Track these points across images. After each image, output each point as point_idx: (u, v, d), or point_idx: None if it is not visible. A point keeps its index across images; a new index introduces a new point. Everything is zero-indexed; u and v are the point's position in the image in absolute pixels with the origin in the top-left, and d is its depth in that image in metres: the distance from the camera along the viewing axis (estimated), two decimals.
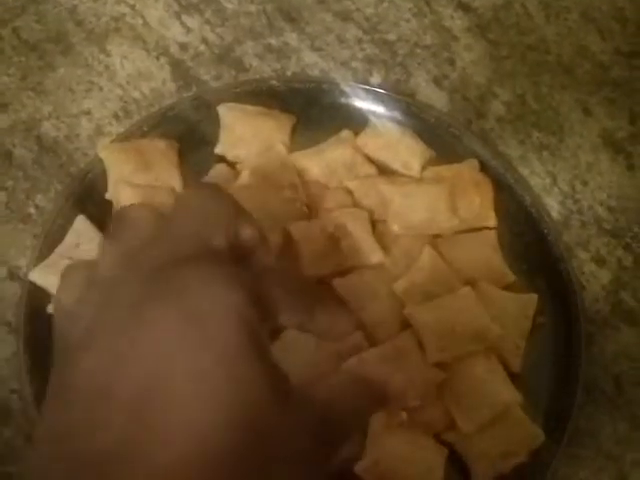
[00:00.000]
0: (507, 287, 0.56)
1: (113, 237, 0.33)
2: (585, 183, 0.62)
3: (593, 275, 0.59)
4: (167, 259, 0.30)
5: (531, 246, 0.58)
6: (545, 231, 0.58)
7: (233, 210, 0.33)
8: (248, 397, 0.27)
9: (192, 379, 0.27)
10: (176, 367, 0.27)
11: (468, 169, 0.59)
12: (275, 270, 0.35)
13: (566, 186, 0.61)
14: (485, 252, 0.57)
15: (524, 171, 0.62)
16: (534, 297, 0.55)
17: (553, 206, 0.61)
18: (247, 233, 0.33)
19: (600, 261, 0.59)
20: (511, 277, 0.56)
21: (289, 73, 0.65)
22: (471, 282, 0.55)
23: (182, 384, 0.27)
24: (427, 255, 0.55)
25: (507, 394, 0.51)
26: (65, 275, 0.34)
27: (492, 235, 0.57)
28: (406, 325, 0.52)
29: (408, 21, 0.68)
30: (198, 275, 0.29)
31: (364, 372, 0.34)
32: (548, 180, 0.62)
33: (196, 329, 0.28)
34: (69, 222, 0.55)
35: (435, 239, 0.57)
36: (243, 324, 0.28)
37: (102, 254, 0.33)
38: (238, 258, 0.32)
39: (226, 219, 0.33)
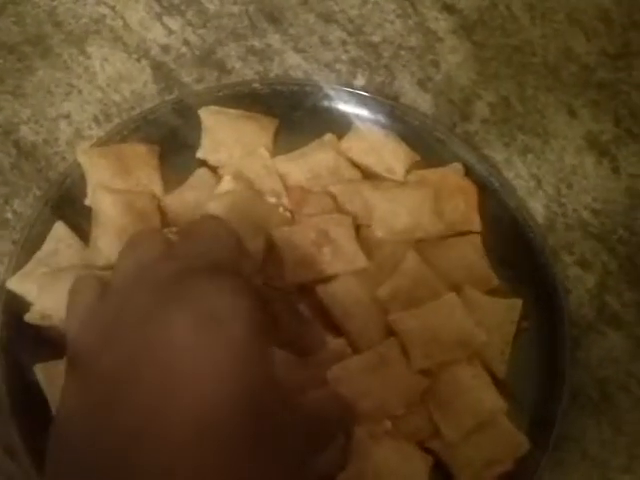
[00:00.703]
0: (492, 291, 0.55)
1: (127, 253, 0.37)
2: (570, 186, 0.61)
3: (578, 279, 0.58)
4: (181, 270, 0.34)
5: (516, 250, 0.57)
6: (530, 235, 0.57)
7: (237, 240, 0.38)
8: (255, 386, 0.31)
9: (206, 367, 0.31)
10: (192, 357, 0.31)
11: (452, 173, 0.58)
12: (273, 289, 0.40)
13: (551, 189, 0.61)
14: (470, 256, 0.56)
15: (509, 174, 0.61)
16: (518, 302, 0.54)
17: (538, 209, 0.60)
18: (247, 262, 0.37)
19: (585, 265, 0.59)
20: (495, 281, 0.56)
21: (272, 75, 0.65)
22: (456, 287, 0.54)
23: (197, 370, 0.31)
24: (411, 260, 0.54)
25: (491, 402, 0.51)
26: (76, 287, 0.37)
27: (477, 239, 0.57)
28: (390, 332, 0.52)
29: (392, 23, 0.67)
30: (212, 283, 0.33)
31: (341, 390, 0.40)
32: (533, 183, 0.61)
33: (210, 326, 0.31)
34: (48, 228, 0.54)
35: (419, 243, 0.56)
36: (253, 324, 0.32)
37: (116, 267, 0.37)
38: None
39: (232, 245, 0.37)
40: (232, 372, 0.31)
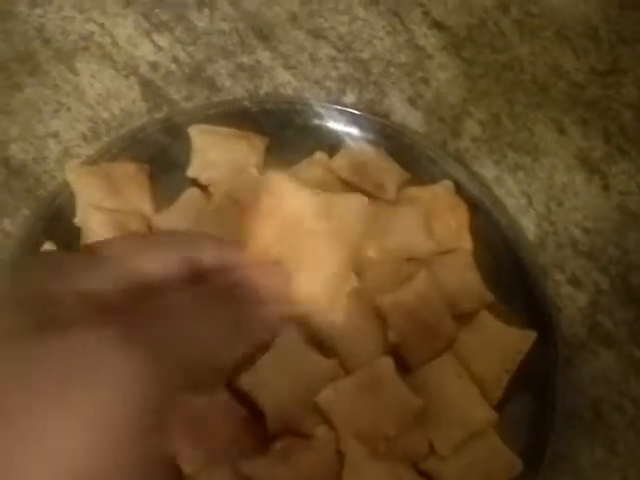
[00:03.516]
0: (487, 308, 0.55)
1: None
2: (560, 204, 0.61)
3: (569, 297, 0.58)
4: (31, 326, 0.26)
5: (507, 268, 0.57)
6: (521, 253, 0.57)
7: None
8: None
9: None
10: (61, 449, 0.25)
11: (443, 191, 0.58)
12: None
13: (542, 207, 0.61)
14: (463, 273, 0.56)
15: (500, 192, 0.61)
16: (532, 334, 0.54)
17: (529, 227, 0.60)
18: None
19: (576, 283, 0.59)
20: (490, 297, 0.55)
21: (262, 92, 0.64)
22: (468, 311, 0.54)
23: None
24: (422, 279, 0.53)
25: (482, 413, 0.50)
26: None
27: (468, 255, 0.57)
28: (383, 352, 0.51)
29: (382, 39, 0.67)
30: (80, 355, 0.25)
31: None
32: (523, 201, 0.61)
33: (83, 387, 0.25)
34: (37, 248, 0.53)
35: (411, 261, 0.56)
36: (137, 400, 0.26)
37: None
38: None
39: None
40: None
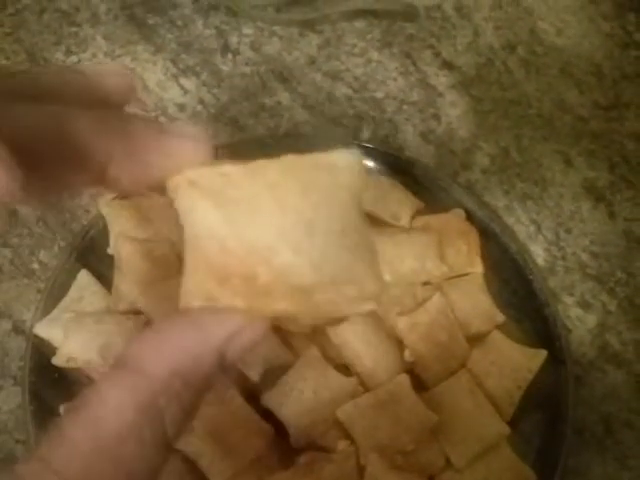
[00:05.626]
0: (498, 328, 0.58)
1: None
2: (568, 231, 0.64)
3: (579, 319, 0.61)
4: None
5: (518, 292, 0.60)
6: (531, 277, 0.60)
7: None
8: None
9: None
10: None
11: (455, 218, 0.61)
12: None
13: (550, 234, 0.64)
14: (474, 295, 0.59)
15: (509, 220, 0.64)
16: (543, 353, 0.56)
17: (538, 253, 0.63)
18: None
19: (585, 305, 0.61)
20: (501, 317, 0.58)
21: (282, 130, 0.68)
22: (481, 332, 0.57)
23: None
24: (436, 301, 0.56)
25: (495, 427, 0.53)
26: None
27: (479, 277, 0.60)
28: (399, 370, 0.54)
29: (395, 79, 0.71)
30: None
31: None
32: (532, 228, 0.64)
33: None
34: (72, 277, 0.57)
35: (425, 285, 0.59)
36: None
37: None
38: None
39: None
40: None
